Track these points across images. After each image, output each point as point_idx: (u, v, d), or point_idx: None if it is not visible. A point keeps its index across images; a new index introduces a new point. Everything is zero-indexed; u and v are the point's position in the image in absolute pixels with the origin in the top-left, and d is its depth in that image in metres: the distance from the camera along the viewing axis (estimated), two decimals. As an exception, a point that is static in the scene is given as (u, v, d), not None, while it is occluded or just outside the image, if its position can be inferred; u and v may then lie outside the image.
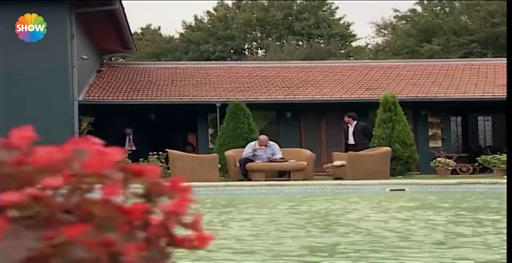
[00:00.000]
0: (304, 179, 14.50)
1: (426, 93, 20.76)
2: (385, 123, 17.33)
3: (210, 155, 15.19)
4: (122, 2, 18.79)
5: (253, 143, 15.72)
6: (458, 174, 18.92)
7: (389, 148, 15.38)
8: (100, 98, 20.12)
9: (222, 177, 15.30)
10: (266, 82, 22.11)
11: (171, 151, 15.04)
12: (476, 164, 19.05)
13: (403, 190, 12.07)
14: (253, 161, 15.04)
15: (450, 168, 18.30)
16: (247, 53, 46.24)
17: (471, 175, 16.73)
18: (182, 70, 24.01)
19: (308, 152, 16.03)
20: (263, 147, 15.45)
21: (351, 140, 16.33)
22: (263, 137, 15.78)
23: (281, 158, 15.30)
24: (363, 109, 20.00)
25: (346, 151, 15.54)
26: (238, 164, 15.26)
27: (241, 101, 18.42)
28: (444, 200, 9.69)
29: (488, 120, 24.16)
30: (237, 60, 43.85)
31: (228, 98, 19.84)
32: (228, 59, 44.51)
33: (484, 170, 18.99)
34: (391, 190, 12.07)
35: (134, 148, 18.85)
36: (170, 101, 20.19)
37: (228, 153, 15.54)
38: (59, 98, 17.59)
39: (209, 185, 12.62)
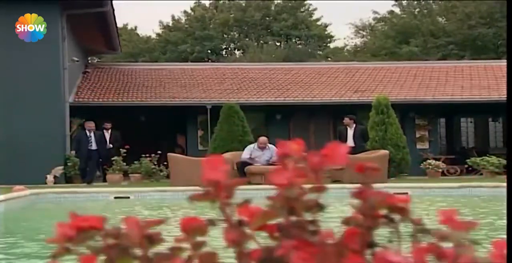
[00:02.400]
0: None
1: (415, 95, 20.96)
2: (378, 126, 17.46)
3: (210, 158, 15.11)
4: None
5: (252, 145, 15.67)
6: (446, 175, 19.12)
7: (387, 151, 15.49)
8: (90, 99, 20.00)
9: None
10: (255, 84, 22.15)
11: (171, 155, 15.01)
12: (465, 166, 19.29)
13: (406, 193, 12.17)
14: (251, 164, 15.01)
15: (440, 170, 18.51)
16: (224, 53, 46.19)
17: (471, 178, 16.85)
18: (168, 71, 23.94)
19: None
20: (262, 149, 15.41)
21: (350, 143, 16.32)
22: (262, 139, 15.66)
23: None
24: (353, 112, 20.12)
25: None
26: (235, 167, 15.22)
27: (234, 103, 18.39)
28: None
29: (471, 122, 24.45)
30: (214, 60, 43.83)
31: (219, 100, 19.85)
32: (205, 59, 44.46)
33: (470, 171, 19.26)
34: (394, 193, 12.14)
35: (94, 147, 17.88)
36: (161, 103, 20.14)
37: (226, 156, 15.49)
38: (52, 100, 17.46)
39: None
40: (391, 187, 12.63)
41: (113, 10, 18.96)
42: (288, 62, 30.68)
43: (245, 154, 15.21)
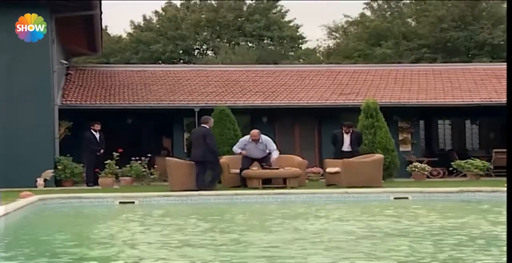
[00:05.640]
0: (299, 186, 14.75)
1: (399, 98, 21.25)
2: (367, 129, 17.68)
3: (207, 162, 15.18)
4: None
5: (247, 137, 15.75)
6: (429, 178, 19.42)
7: (381, 156, 15.70)
8: (78, 102, 19.89)
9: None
10: (239, 87, 22.23)
11: (168, 159, 15.03)
12: (448, 168, 19.62)
13: (407, 198, 12.39)
14: (248, 168, 15.10)
15: (426, 172, 18.81)
16: (197, 54, 46.07)
17: (462, 181, 17.15)
18: (151, 73, 23.87)
19: (299, 158, 16.21)
20: (255, 142, 15.54)
21: (347, 147, 16.50)
22: (254, 131, 15.79)
23: (276, 167, 15.32)
24: (338, 114, 20.38)
25: (340, 158, 15.71)
26: (231, 172, 15.36)
27: (224, 106, 18.46)
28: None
29: (449, 124, 24.86)
30: (187, 61, 43.72)
31: (206, 103, 19.93)
32: (178, 59, 44.33)
33: (451, 173, 19.61)
34: (395, 198, 12.38)
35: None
36: (149, 106, 20.11)
37: (222, 160, 15.60)
38: (41, 102, 17.35)
39: (218, 193, 12.68)
40: (391, 191, 12.87)
41: (101, 13, 18.89)
42: (267, 64, 30.80)
43: (238, 146, 15.45)
